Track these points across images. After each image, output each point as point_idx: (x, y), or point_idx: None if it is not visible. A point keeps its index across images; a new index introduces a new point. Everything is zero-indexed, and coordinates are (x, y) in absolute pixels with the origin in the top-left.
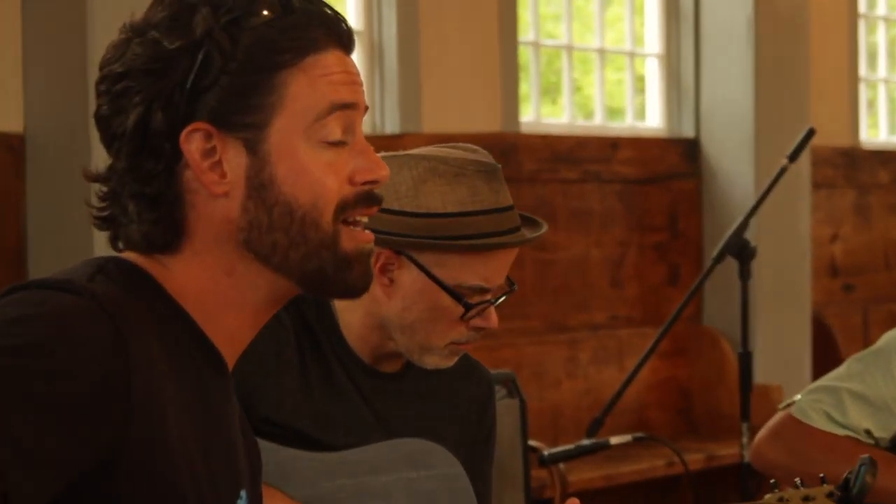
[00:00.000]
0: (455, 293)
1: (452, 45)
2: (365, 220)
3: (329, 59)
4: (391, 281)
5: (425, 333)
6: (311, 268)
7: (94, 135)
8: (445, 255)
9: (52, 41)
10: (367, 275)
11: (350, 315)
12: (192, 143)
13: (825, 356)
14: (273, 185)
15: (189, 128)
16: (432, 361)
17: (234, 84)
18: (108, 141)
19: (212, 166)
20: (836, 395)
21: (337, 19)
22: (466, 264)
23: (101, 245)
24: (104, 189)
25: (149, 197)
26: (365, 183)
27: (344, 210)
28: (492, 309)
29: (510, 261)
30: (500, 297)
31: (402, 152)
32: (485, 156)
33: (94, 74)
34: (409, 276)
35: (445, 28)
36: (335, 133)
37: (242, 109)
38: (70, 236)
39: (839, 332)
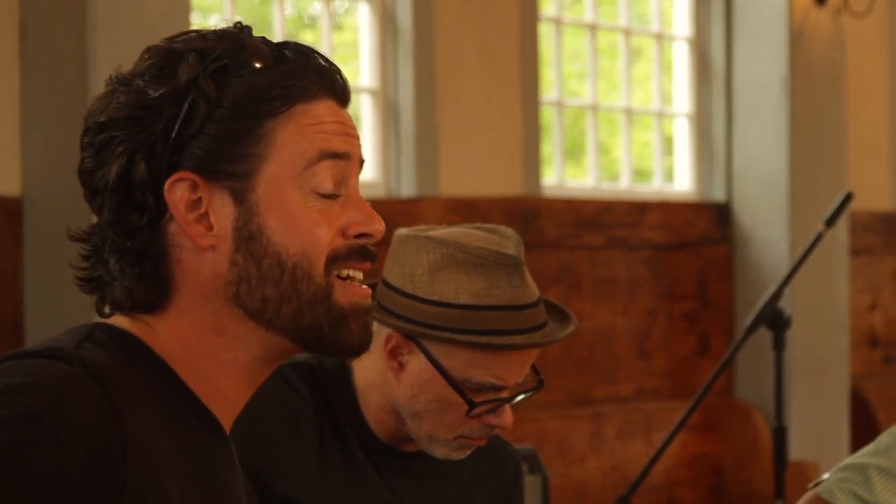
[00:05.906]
0: (460, 389)
1: (471, 105)
2: (360, 276)
3: (320, 108)
4: (401, 365)
5: (432, 424)
6: (305, 323)
7: None
8: (454, 347)
9: (51, 102)
10: (364, 332)
11: (368, 394)
12: (177, 192)
13: (864, 431)
14: (262, 235)
15: (173, 177)
16: (441, 452)
17: (220, 132)
18: (91, 195)
19: (198, 218)
20: (864, 473)
21: (331, 70)
22: (476, 360)
23: None
24: (86, 248)
25: (132, 252)
26: (358, 236)
27: (335, 262)
28: (507, 407)
29: (528, 360)
30: (517, 395)
31: (423, 233)
32: (513, 244)
33: None
34: (418, 364)
35: (464, 86)
36: (326, 184)
37: (229, 158)
38: (70, 304)
39: (878, 406)
